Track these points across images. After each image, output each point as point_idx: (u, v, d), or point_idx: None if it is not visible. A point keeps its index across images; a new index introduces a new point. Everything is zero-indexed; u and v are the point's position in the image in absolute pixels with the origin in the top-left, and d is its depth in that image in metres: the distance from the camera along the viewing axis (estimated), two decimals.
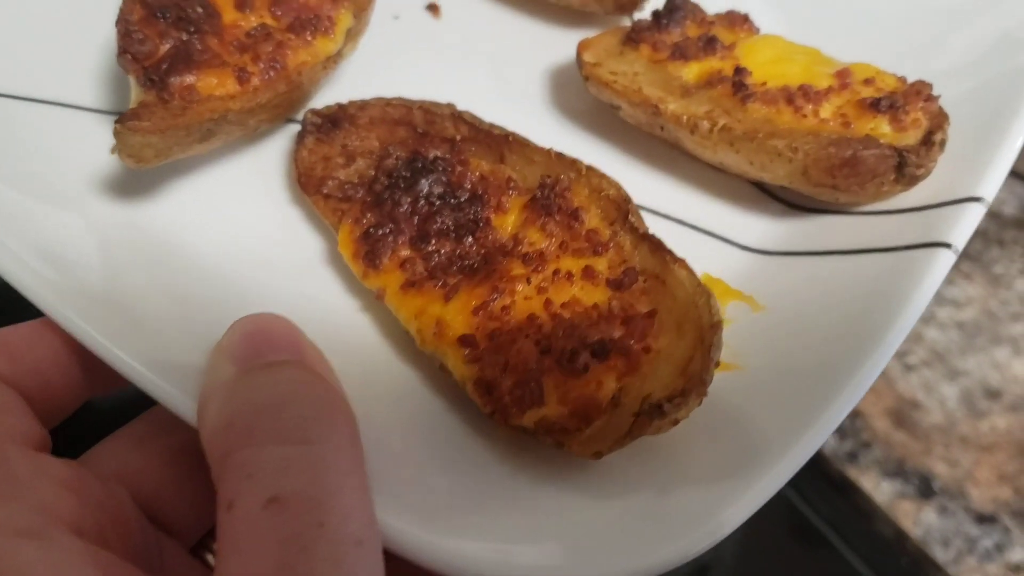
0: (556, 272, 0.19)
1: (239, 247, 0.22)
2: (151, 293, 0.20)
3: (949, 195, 0.22)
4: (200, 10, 0.22)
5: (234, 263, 0.22)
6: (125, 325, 0.19)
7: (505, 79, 0.26)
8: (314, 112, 0.23)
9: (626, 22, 0.28)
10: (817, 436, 0.18)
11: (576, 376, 0.18)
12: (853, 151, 0.21)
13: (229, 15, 0.23)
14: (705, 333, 0.18)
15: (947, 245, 0.21)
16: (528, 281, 0.19)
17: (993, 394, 0.28)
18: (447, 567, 0.16)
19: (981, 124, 0.23)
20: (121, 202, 0.22)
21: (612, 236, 0.19)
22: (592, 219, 0.20)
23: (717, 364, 0.18)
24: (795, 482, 0.17)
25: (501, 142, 0.21)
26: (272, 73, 0.22)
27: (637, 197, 0.24)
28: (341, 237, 0.21)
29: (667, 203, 0.24)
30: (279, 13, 0.23)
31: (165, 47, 0.21)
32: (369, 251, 0.20)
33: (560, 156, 0.21)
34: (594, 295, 0.19)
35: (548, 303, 0.19)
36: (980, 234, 0.32)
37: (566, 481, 0.18)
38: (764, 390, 0.19)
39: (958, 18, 0.26)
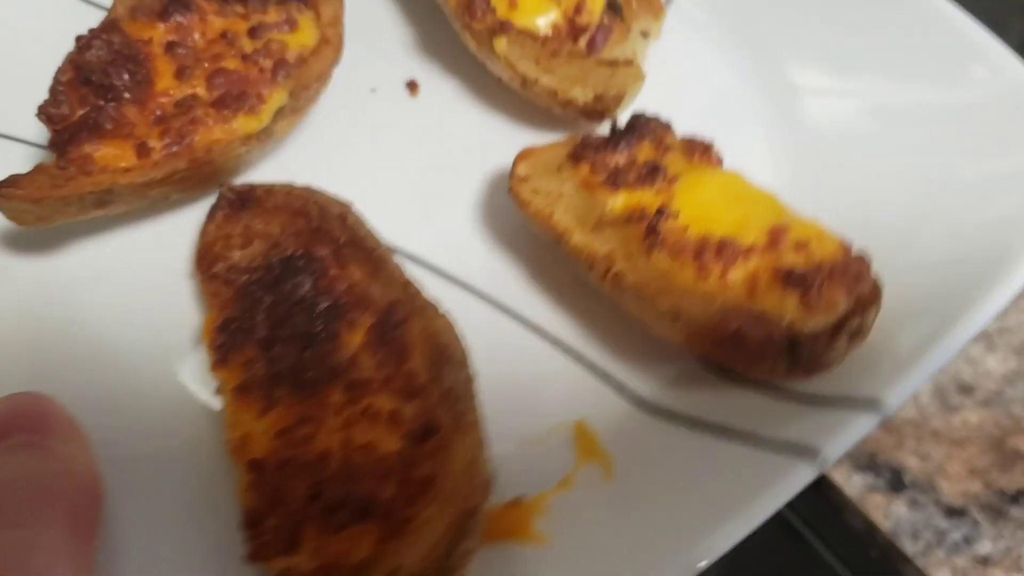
0: (367, 409, 0.18)
1: (122, 310, 0.22)
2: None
3: (845, 392, 0.19)
4: (127, 77, 0.22)
5: (108, 324, 0.22)
6: None
7: (452, 174, 0.25)
8: (230, 188, 0.23)
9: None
10: None
11: (334, 532, 0.17)
12: (738, 326, 0.19)
13: (164, 82, 0.23)
14: (458, 519, 0.16)
15: (814, 456, 0.18)
16: (339, 412, 0.19)
17: (966, 389, 0.27)
18: None
19: (914, 317, 0.20)
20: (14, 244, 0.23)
21: (427, 382, 0.18)
22: (416, 359, 0.19)
23: (468, 553, 0.16)
24: None
25: (369, 255, 0.21)
26: (175, 149, 0.22)
27: (537, 319, 0.23)
28: (205, 323, 0.21)
29: (567, 332, 0.23)
30: (215, 83, 0.23)
31: (80, 112, 0.22)
32: (222, 343, 0.20)
33: (408, 285, 0.20)
34: (389, 443, 0.18)
35: (346, 442, 0.18)
36: None
37: None
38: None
39: (940, 194, 0.22)
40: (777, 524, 0.25)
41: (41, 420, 0.18)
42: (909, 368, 0.19)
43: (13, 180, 0.21)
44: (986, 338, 0.28)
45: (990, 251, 0.21)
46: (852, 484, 0.25)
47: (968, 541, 0.25)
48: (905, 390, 0.19)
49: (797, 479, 0.18)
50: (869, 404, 0.19)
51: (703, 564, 0.17)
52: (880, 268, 0.20)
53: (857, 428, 0.18)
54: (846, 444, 0.18)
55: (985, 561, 0.25)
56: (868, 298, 0.20)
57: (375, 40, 0.28)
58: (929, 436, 0.27)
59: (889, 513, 0.25)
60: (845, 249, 0.21)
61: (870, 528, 0.25)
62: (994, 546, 0.25)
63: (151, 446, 0.20)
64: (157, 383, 0.21)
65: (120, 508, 0.18)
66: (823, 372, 0.20)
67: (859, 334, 0.20)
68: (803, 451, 0.18)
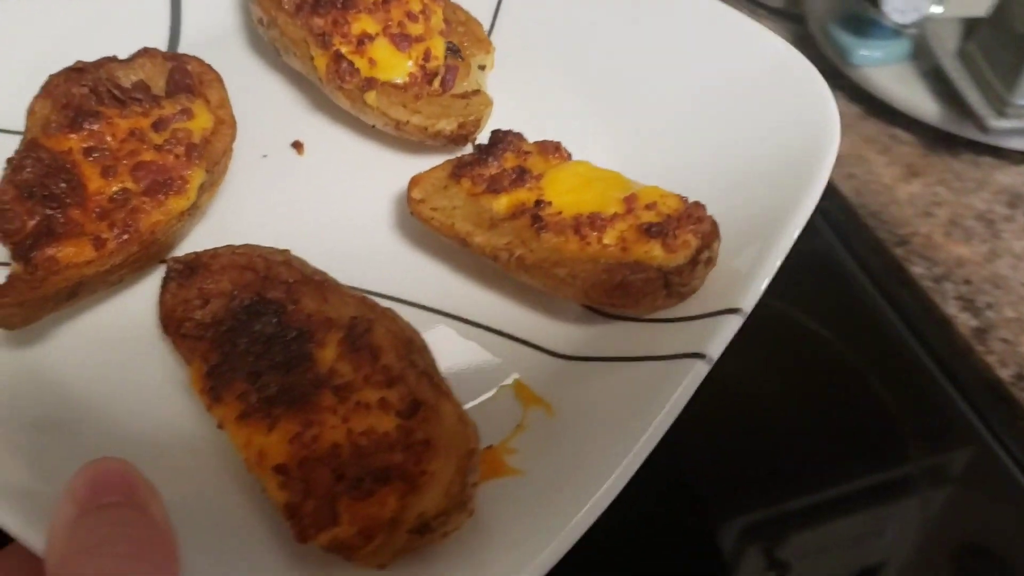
0: (359, 403, 0.23)
1: (109, 380, 0.26)
2: (11, 422, 0.24)
3: (713, 307, 0.25)
4: (64, 184, 0.26)
5: (101, 395, 0.25)
6: None
7: (358, 210, 0.30)
8: (175, 260, 0.27)
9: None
10: (572, 535, 0.21)
11: (363, 499, 0.21)
12: (622, 276, 0.25)
13: (94, 183, 0.27)
14: (462, 460, 0.21)
15: (702, 356, 0.24)
16: (335, 411, 0.23)
17: None
18: None
19: (746, 241, 0.26)
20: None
21: (402, 370, 0.23)
22: (387, 355, 0.23)
23: (475, 484, 0.21)
24: None
25: (320, 286, 0.25)
26: (126, 236, 0.25)
27: (465, 311, 0.28)
28: (191, 374, 0.25)
29: (489, 315, 0.28)
30: (139, 175, 0.27)
31: (32, 223, 0.25)
32: (212, 386, 0.24)
33: (364, 300, 0.25)
34: (385, 423, 0.22)
35: (349, 432, 0.22)
36: None
37: None
38: (537, 494, 0.23)
39: (738, 147, 0.29)
40: None
41: (129, 481, 0.21)
42: (752, 278, 0.25)
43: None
44: None
45: (788, 183, 0.27)
46: None
47: None
48: (754, 294, 0.25)
49: (696, 376, 0.23)
50: (731, 311, 0.25)
51: (649, 451, 0.22)
52: (713, 210, 0.27)
53: (728, 329, 0.24)
54: (723, 343, 0.24)
55: None
56: (711, 234, 0.26)
57: (255, 112, 0.32)
58: None
59: None
60: (684, 201, 0.27)
61: None
62: None
63: (176, 491, 0.23)
64: (159, 435, 0.25)
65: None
66: (692, 295, 0.26)
67: (710, 261, 0.26)
68: (694, 356, 0.24)
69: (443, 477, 0.21)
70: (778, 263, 0.25)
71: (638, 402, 0.24)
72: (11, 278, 0.24)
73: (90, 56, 0.30)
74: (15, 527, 0.21)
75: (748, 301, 0.25)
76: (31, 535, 0.21)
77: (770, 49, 0.31)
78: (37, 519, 0.21)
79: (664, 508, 0.30)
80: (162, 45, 0.34)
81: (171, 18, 0.34)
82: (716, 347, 0.24)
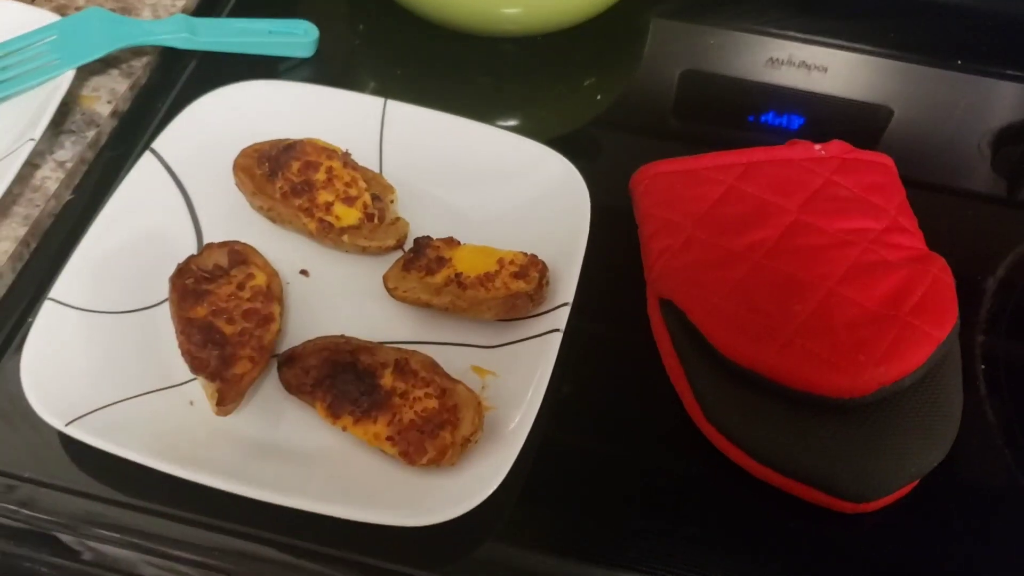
0: (414, 398, 0.47)
1: (283, 416, 0.48)
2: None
3: (555, 304, 0.51)
4: (216, 335, 0.48)
5: (276, 428, 0.48)
6: None
7: (361, 301, 0.53)
8: (280, 356, 0.50)
9: None
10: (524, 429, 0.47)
11: (435, 437, 0.46)
12: (511, 302, 0.50)
13: (228, 329, 0.48)
14: (475, 407, 0.46)
15: (559, 329, 0.50)
16: (404, 405, 0.47)
17: None
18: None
19: (560, 269, 0.52)
20: None
21: (430, 377, 0.47)
22: (420, 372, 0.47)
23: (481, 417, 0.46)
24: None
25: (368, 347, 0.49)
26: (260, 352, 0.48)
27: (440, 338, 0.52)
28: (318, 411, 0.48)
29: (450, 336, 0.51)
30: (249, 318, 0.49)
31: (214, 361, 0.47)
32: (332, 412, 0.47)
33: (396, 348, 0.49)
34: (432, 403, 0.47)
35: (415, 412, 0.46)
36: None
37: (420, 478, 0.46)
38: (501, 416, 0.48)
39: (545, 221, 0.55)
40: None
41: None
42: (568, 286, 0.51)
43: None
44: None
45: (570, 238, 0.53)
46: None
47: None
48: (571, 294, 0.51)
49: (558, 338, 0.49)
50: (565, 304, 0.51)
51: (549, 375, 0.48)
52: (542, 257, 0.53)
53: (565, 312, 0.50)
54: (564, 320, 0.50)
55: None
56: (544, 269, 0.51)
57: (272, 259, 0.54)
58: None
59: None
60: (527, 255, 0.52)
61: None
62: None
63: (335, 463, 0.47)
64: (318, 440, 0.48)
65: None
66: (543, 300, 0.52)
67: (548, 283, 0.52)
68: (555, 330, 0.50)
69: (468, 418, 0.46)
70: (575, 280, 0.51)
71: (538, 357, 0.49)
72: (220, 391, 0.46)
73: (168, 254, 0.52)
74: None
75: (569, 297, 0.51)
76: None
77: (553, 162, 0.55)
78: None
79: None
80: (191, 233, 0.55)
81: (193, 222, 0.55)
82: (563, 323, 0.50)
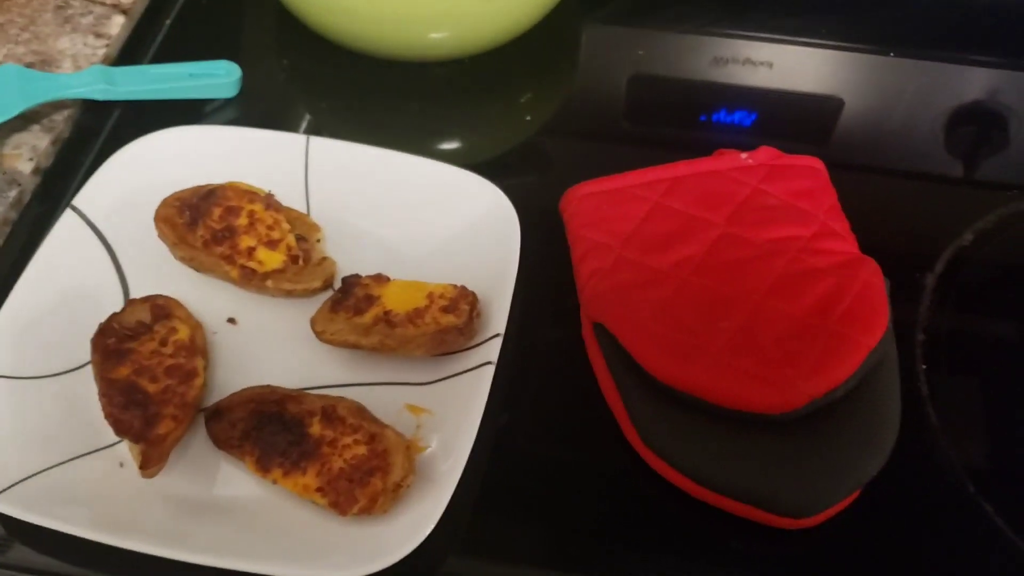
0: (343, 445, 0.46)
1: (206, 467, 0.48)
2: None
3: (487, 335, 0.50)
4: (139, 395, 0.47)
5: (203, 477, 0.47)
6: None
7: (288, 346, 0.52)
8: (207, 410, 0.49)
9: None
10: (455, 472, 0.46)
11: (366, 485, 0.45)
12: (441, 337, 0.49)
13: (151, 388, 0.48)
14: (405, 451, 0.45)
15: (491, 362, 0.49)
16: (333, 453, 0.46)
17: None
18: None
19: (490, 300, 0.52)
20: None
21: (358, 423, 0.46)
22: (348, 418, 0.46)
23: (412, 459, 0.45)
24: None
25: (295, 396, 0.48)
26: (184, 409, 0.47)
27: (369, 378, 0.51)
28: (247, 465, 0.47)
29: (381, 376, 0.51)
30: (173, 374, 0.48)
31: (137, 423, 0.46)
32: (262, 466, 0.46)
33: (321, 395, 0.48)
34: (361, 450, 0.46)
35: (344, 460, 0.46)
36: None
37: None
38: (435, 456, 0.47)
39: (475, 250, 0.53)
40: None
41: None
42: (499, 318, 0.50)
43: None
44: None
45: (501, 267, 0.52)
46: None
47: None
48: (502, 325, 0.50)
49: (490, 371, 0.48)
50: (496, 335, 0.50)
51: (481, 412, 0.47)
52: (472, 288, 0.52)
53: (497, 344, 0.49)
54: (496, 352, 0.49)
55: None
56: (475, 301, 0.51)
57: (197, 309, 0.53)
58: None
59: None
60: (456, 287, 0.52)
61: None
62: None
63: (263, 517, 0.46)
64: (247, 492, 0.47)
65: None
66: (475, 334, 0.51)
67: (479, 315, 0.51)
68: (487, 363, 0.49)
69: (398, 463, 0.45)
70: (507, 309, 0.50)
71: (471, 392, 0.48)
72: (144, 454, 0.45)
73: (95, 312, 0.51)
74: None
75: (501, 328, 0.50)
76: None
77: (482, 189, 0.54)
78: None
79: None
80: (118, 289, 0.54)
81: (119, 278, 0.55)
82: (495, 355, 0.49)
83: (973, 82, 0.69)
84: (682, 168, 0.51)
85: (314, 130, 0.58)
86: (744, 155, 0.53)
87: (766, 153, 0.53)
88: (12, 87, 0.58)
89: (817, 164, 0.54)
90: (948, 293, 0.53)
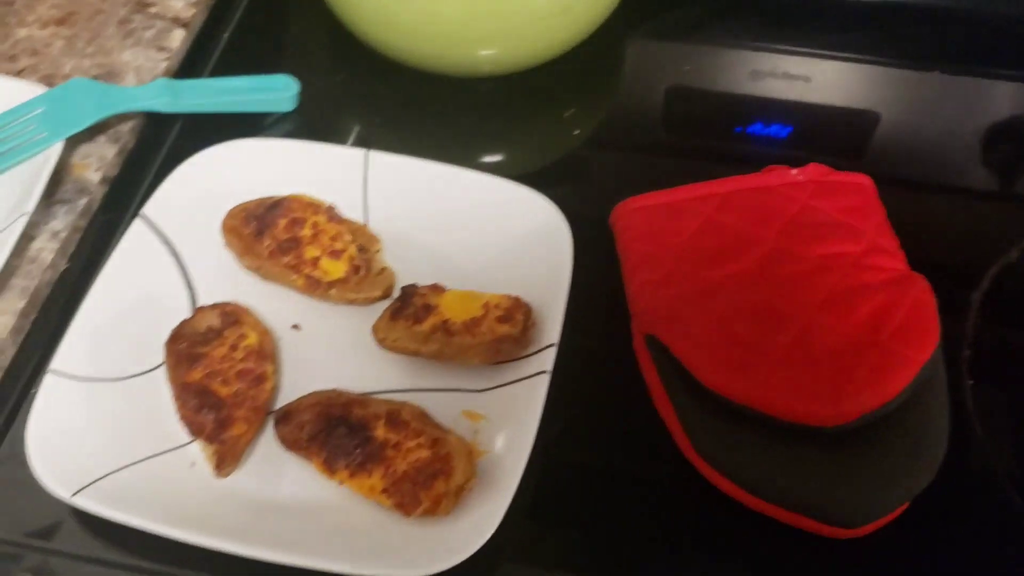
0: (407, 449, 0.48)
1: (279, 472, 0.50)
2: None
3: (542, 345, 0.52)
4: (212, 398, 0.49)
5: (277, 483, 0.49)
6: None
7: (352, 351, 0.54)
8: (277, 412, 0.51)
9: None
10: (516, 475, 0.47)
11: (430, 487, 0.46)
12: (497, 347, 0.51)
13: (223, 391, 0.50)
14: (467, 455, 0.47)
15: (546, 371, 0.51)
16: (397, 456, 0.48)
17: None
18: None
19: (543, 312, 0.53)
20: None
21: (422, 427, 0.48)
22: (412, 423, 0.48)
23: (474, 463, 0.47)
24: None
25: (360, 400, 0.50)
26: (255, 412, 0.49)
27: (429, 385, 0.53)
28: (315, 466, 0.48)
29: (440, 383, 0.52)
30: (244, 378, 0.50)
31: (210, 424, 0.48)
32: (329, 467, 0.48)
33: (387, 400, 0.50)
34: (424, 453, 0.47)
35: (408, 463, 0.47)
36: None
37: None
38: (497, 460, 0.49)
39: (527, 263, 0.55)
40: None
41: None
42: (552, 329, 0.52)
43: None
44: None
45: (554, 280, 0.53)
46: None
47: None
48: (556, 335, 0.52)
49: (545, 379, 0.49)
50: (551, 345, 0.51)
51: (538, 420, 0.48)
52: (526, 299, 0.53)
53: (552, 354, 0.51)
54: (552, 362, 0.51)
55: None
56: (529, 311, 0.52)
57: (264, 316, 0.55)
58: None
59: None
60: (511, 298, 0.53)
61: None
62: None
63: (328, 518, 0.48)
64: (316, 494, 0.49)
65: None
66: (530, 343, 0.52)
67: (534, 324, 0.52)
68: (542, 372, 0.50)
69: (460, 467, 0.47)
70: (561, 319, 0.52)
71: (527, 400, 0.50)
72: (218, 454, 0.47)
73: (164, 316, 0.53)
74: None
75: (555, 338, 0.52)
76: None
77: (534, 202, 0.55)
78: None
79: None
80: (185, 295, 0.56)
81: (186, 284, 0.57)
82: (550, 364, 0.51)
83: (1009, 97, 0.70)
84: (732, 183, 0.52)
85: (367, 143, 0.60)
86: (794, 171, 0.54)
87: (815, 170, 0.55)
88: (82, 100, 0.60)
89: (865, 181, 0.55)
90: (994, 309, 0.55)
